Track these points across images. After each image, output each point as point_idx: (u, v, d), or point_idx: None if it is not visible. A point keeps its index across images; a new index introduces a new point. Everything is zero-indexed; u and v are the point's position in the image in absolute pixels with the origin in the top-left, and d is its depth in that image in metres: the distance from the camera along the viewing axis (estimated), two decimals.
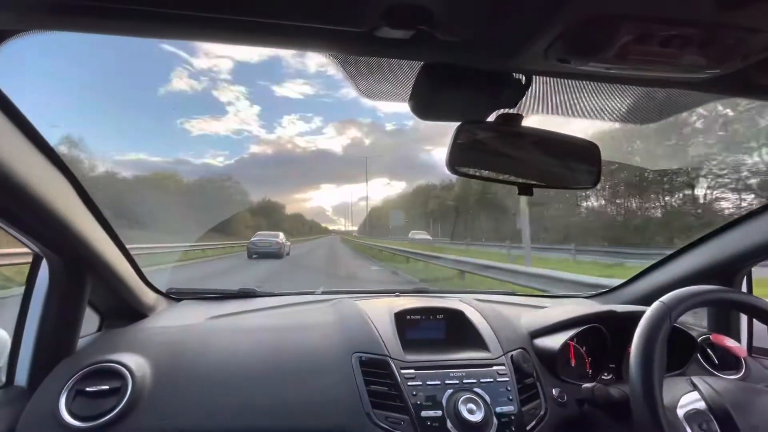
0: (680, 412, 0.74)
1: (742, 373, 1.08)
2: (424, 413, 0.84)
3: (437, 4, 0.41)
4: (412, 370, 0.91)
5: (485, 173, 0.72)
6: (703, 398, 0.74)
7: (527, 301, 1.45)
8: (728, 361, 1.09)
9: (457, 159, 0.69)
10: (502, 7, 0.42)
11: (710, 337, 1.09)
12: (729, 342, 1.02)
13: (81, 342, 0.94)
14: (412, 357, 0.95)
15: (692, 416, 0.73)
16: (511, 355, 0.99)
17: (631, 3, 0.39)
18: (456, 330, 1.11)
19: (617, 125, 0.83)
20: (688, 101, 0.71)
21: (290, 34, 0.47)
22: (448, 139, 0.67)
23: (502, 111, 0.69)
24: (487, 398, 0.88)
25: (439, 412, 0.85)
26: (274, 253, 14.74)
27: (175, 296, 1.30)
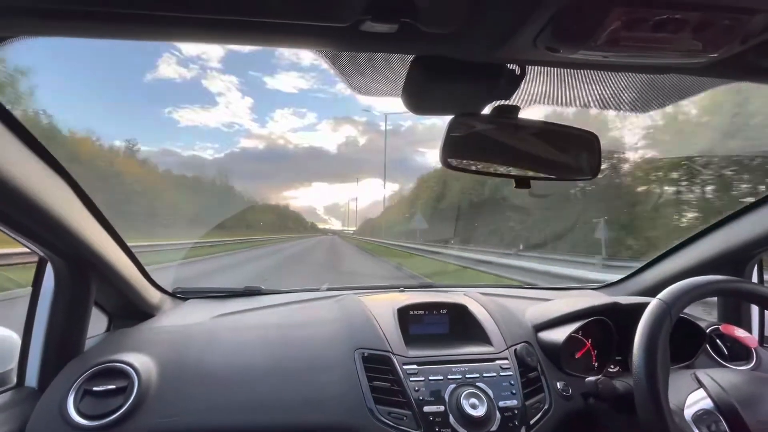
0: (688, 414, 0.73)
1: (753, 363, 1.05)
2: (426, 408, 0.85)
3: None
4: (415, 366, 0.91)
5: (481, 167, 0.71)
6: (709, 396, 0.73)
7: (532, 294, 1.43)
8: (739, 352, 1.07)
9: (451, 153, 0.67)
10: None
11: (720, 327, 1.07)
12: (739, 332, 1.00)
13: (89, 342, 0.95)
14: (414, 352, 0.95)
15: (700, 418, 0.71)
16: (515, 349, 0.98)
17: None
18: (459, 324, 1.10)
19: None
20: (690, 87, 0.69)
21: (274, 31, 0.46)
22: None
23: (498, 103, 0.68)
24: (490, 393, 0.88)
25: (441, 407, 0.85)
26: None
27: (181, 295, 1.32)
